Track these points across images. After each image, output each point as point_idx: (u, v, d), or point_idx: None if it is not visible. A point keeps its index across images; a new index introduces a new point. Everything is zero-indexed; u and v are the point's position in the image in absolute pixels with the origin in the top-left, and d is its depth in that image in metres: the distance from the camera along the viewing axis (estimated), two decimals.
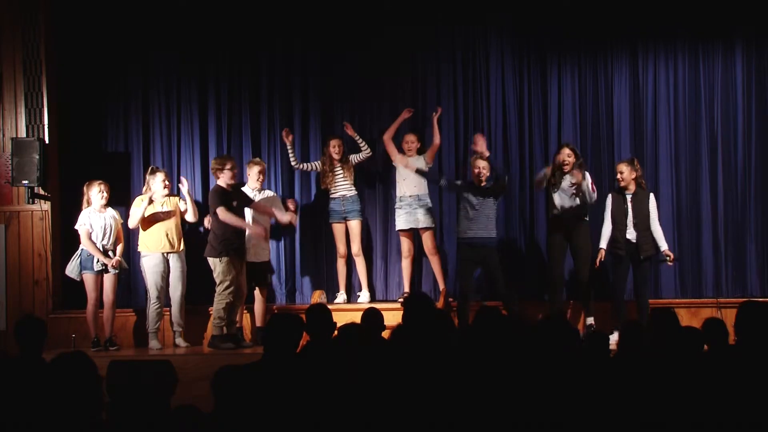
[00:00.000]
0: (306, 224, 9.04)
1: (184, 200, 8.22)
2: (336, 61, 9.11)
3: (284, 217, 8.19)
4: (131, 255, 8.63)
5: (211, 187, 8.22)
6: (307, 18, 9.03)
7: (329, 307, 5.29)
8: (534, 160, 8.83)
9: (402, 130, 8.72)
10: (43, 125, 8.65)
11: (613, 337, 6.05)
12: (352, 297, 8.83)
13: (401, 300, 8.19)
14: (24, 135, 8.59)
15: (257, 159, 8.65)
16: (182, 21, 9.05)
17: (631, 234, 7.83)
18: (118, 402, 3.73)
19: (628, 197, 7.89)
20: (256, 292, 8.28)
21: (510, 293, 7.81)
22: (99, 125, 9.12)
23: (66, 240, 8.54)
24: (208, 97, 9.14)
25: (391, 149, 8.66)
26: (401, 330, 4.57)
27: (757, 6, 8.62)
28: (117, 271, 8.07)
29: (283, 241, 9.03)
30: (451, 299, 8.28)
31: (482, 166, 7.89)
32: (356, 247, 8.62)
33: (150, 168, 8.37)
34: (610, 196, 8.03)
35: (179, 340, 8.12)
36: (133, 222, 8.09)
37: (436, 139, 8.58)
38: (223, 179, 7.90)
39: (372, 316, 5.67)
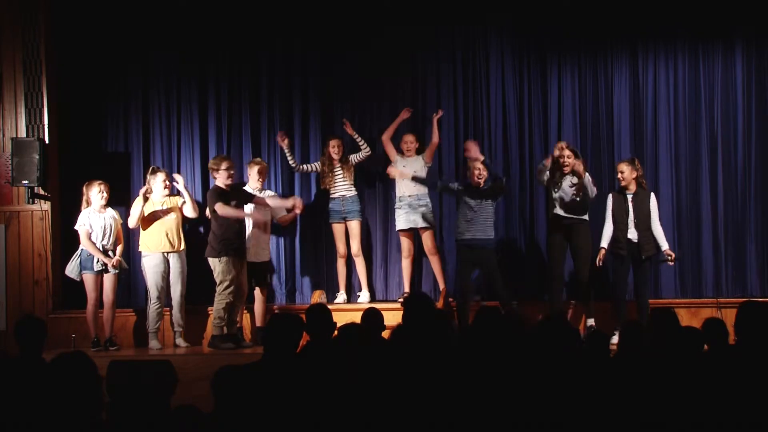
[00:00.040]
0: (306, 224, 9.04)
1: (182, 196, 8.23)
2: (336, 61, 9.11)
3: (287, 202, 8.22)
4: (131, 255, 8.64)
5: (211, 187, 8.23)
6: (307, 18, 9.03)
7: (329, 307, 5.28)
8: (534, 161, 8.80)
9: (401, 131, 8.72)
10: (43, 125, 8.65)
11: (614, 338, 6.05)
12: (352, 297, 8.83)
13: (401, 300, 8.18)
14: (24, 135, 8.59)
15: (258, 159, 8.65)
16: (182, 21, 9.06)
17: (632, 234, 7.83)
18: (118, 402, 3.73)
19: (629, 197, 7.89)
20: (256, 292, 8.28)
21: (508, 294, 7.82)
22: (99, 125, 9.12)
23: (66, 240, 8.54)
24: (208, 97, 9.14)
25: (390, 150, 8.66)
26: (401, 330, 4.57)
27: (757, 6, 8.62)
28: (117, 271, 8.07)
29: (283, 241, 9.03)
30: (450, 299, 8.28)
31: (480, 168, 7.90)
32: (356, 247, 8.62)
33: (150, 168, 8.38)
34: (610, 195, 8.02)
35: (179, 340, 8.12)
36: (132, 221, 8.09)
37: (435, 138, 8.59)
38: (220, 179, 7.91)
39: (372, 316, 5.67)
